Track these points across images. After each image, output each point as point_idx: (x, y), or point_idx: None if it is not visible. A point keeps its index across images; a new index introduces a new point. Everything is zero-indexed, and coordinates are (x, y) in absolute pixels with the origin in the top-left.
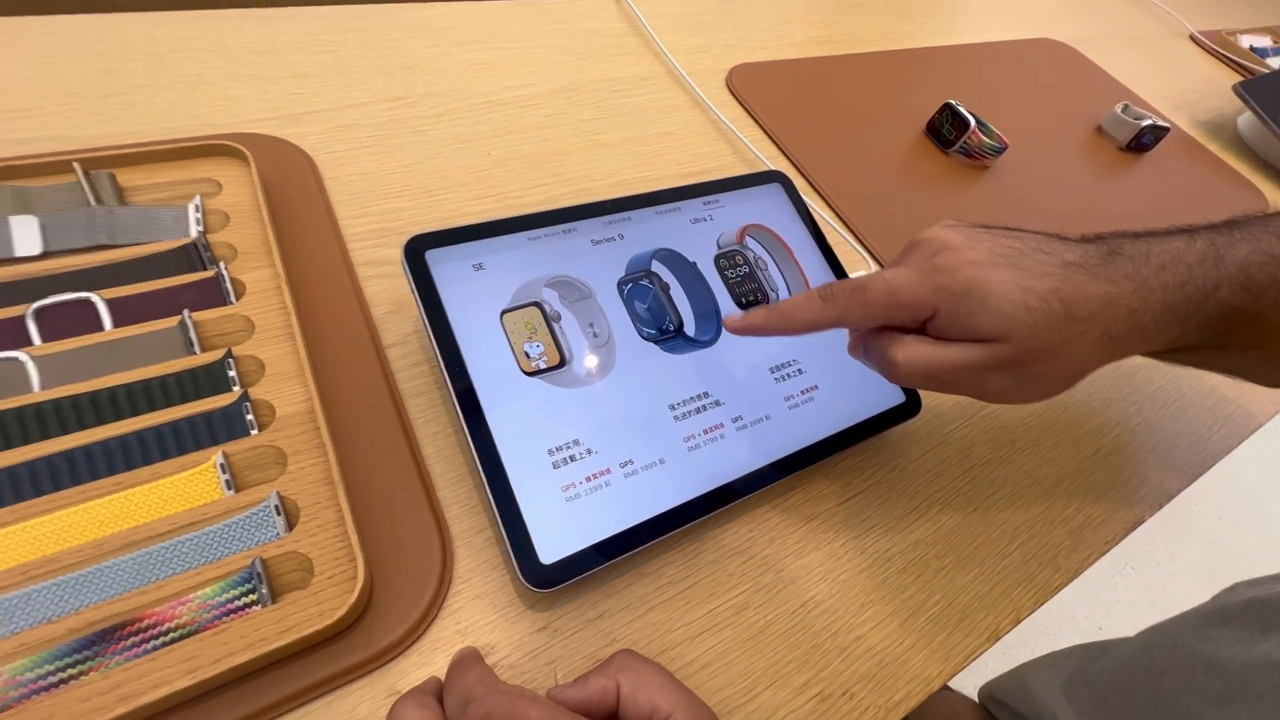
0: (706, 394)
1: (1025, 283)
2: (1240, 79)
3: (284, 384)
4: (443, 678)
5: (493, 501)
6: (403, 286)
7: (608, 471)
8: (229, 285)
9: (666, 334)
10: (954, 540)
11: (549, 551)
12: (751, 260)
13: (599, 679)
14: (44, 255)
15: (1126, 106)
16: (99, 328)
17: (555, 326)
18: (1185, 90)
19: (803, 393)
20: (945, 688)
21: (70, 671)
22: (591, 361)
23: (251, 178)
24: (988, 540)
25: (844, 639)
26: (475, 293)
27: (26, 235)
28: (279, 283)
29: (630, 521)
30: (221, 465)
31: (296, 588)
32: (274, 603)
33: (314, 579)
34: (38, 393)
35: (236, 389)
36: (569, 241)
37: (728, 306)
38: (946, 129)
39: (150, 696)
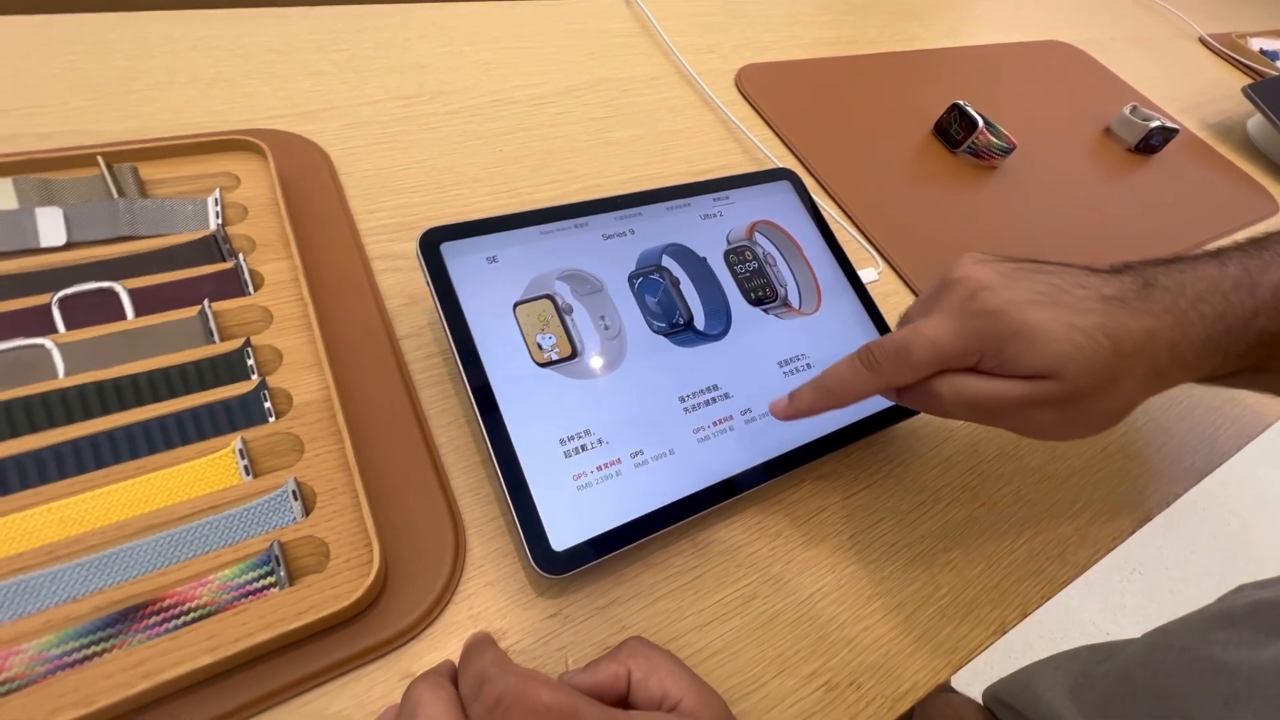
0: (716, 387)
1: (1070, 320)
2: (1250, 81)
3: (301, 373)
4: (456, 661)
5: (505, 488)
6: (416, 280)
7: (618, 461)
8: (247, 276)
9: (677, 327)
10: (961, 534)
11: (560, 538)
12: (761, 256)
13: (610, 665)
14: (68, 246)
15: (1135, 108)
16: (121, 316)
17: (567, 319)
18: (1194, 93)
19: None
20: (950, 689)
21: (94, 648)
22: (603, 353)
23: (269, 172)
24: (994, 535)
25: (851, 630)
26: (489, 285)
27: (51, 226)
28: (296, 274)
29: (640, 511)
30: (240, 451)
31: (313, 571)
32: (291, 585)
33: (330, 563)
34: (62, 378)
35: (255, 377)
36: (581, 236)
37: (737, 301)
38: (954, 129)
39: (172, 673)
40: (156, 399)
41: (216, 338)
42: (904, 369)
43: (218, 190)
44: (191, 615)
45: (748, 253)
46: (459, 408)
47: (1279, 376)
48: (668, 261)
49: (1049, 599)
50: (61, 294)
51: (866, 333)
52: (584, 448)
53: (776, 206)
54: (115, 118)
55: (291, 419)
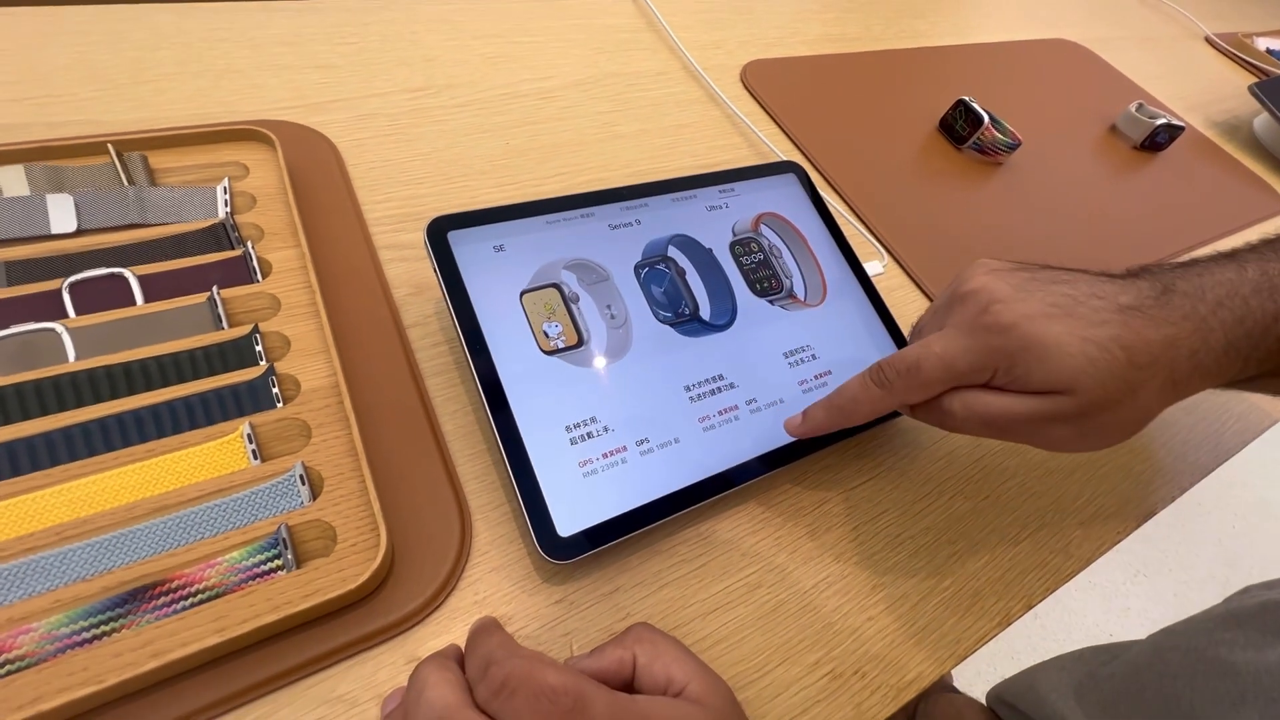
0: (721, 376)
1: (1084, 333)
2: (1256, 80)
3: (308, 359)
4: (463, 645)
5: (511, 474)
6: (423, 270)
7: (624, 449)
8: (255, 264)
9: (682, 317)
10: (965, 526)
11: (566, 524)
12: (766, 248)
13: (616, 650)
14: (79, 232)
15: (1141, 105)
16: (131, 302)
17: (573, 307)
18: (1200, 92)
19: (816, 377)
20: (953, 690)
21: (103, 628)
22: (609, 342)
23: (278, 162)
24: (999, 527)
25: (856, 619)
26: (496, 273)
27: (62, 213)
28: (304, 262)
29: (645, 498)
30: (248, 436)
31: (320, 555)
32: (298, 568)
33: (337, 546)
34: (72, 362)
35: (263, 363)
36: (587, 226)
37: (743, 292)
38: (960, 125)
39: (180, 653)
40: (165, 384)
41: (225, 324)
42: (915, 387)
43: (226, 179)
44: (199, 596)
45: (753, 244)
46: (465, 396)
47: None
48: (674, 252)
49: (1053, 591)
50: (72, 279)
51: (871, 324)
52: (589, 435)
53: (782, 199)
54: (126, 108)
55: (299, 405)
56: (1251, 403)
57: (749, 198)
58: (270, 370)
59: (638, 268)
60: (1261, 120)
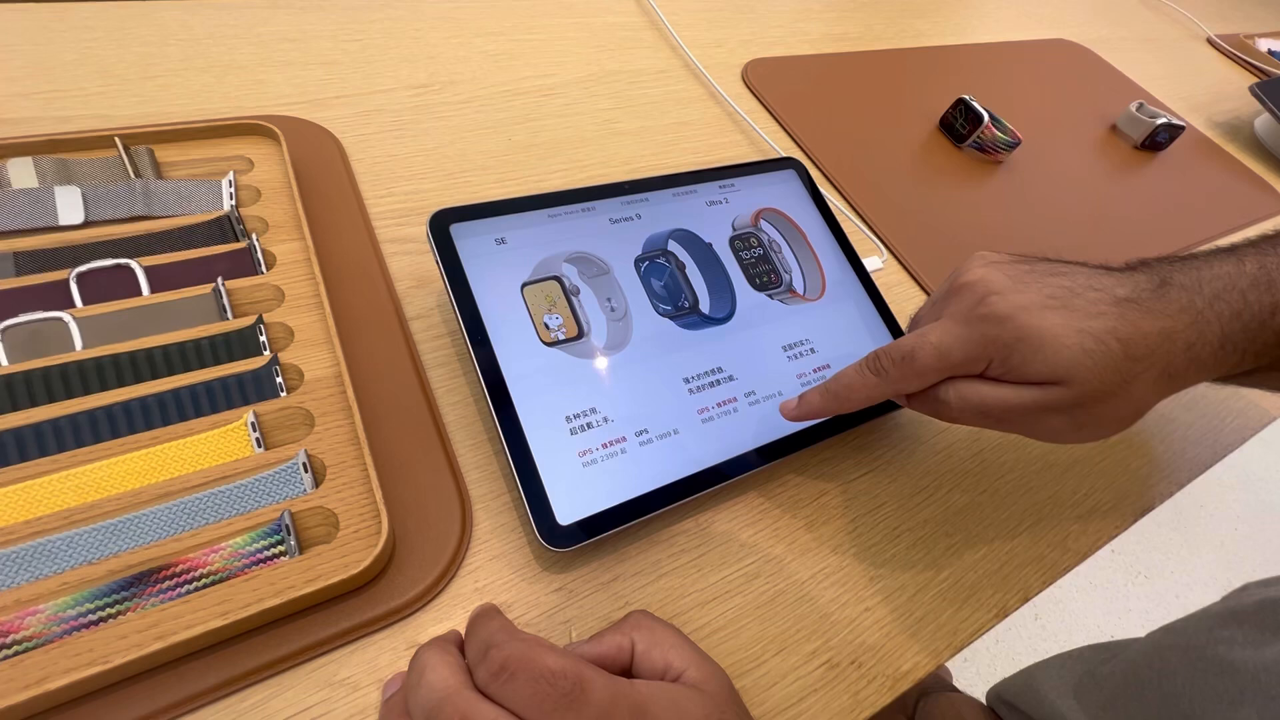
0: (720, 369)
1: (1080, 324)
2: (1257, 81)
3: (312, 350)
4: (463, 631)
5: (512, 463)
6: (425, 263)
7: (623, 439)
8: (260, 256)
9: (682, 310)
10: (963, 520)
11: (565, 513)
12: (766, 243)
13: (614, 636)
14: (86, 224)
15: (1141, 105)
16: (137, 292)
17: (574, 300)
18: (1202, 92)
19: (815, 371)
20: (953, 689)
21: (109, 610)
22: (609, 335)
23: (282, 156)
24: (996, 521)
25: (853, 610)
26: (497, 265)
27: (70, 205)
28: (308, 255)
29: (645, 488)
30: (252, 424)
31: (322, 541)
32: (301, 554)
33: (339, 533)
34: (79, 351)
35: (267, 353)
36: (588, 220)
37: (742, 286)
38: (960, 123)
39: (184, 635)
40: (171, 372)
41: (229, 314)
42: (910, 376)
43: (232, 173)
44: (204, 581)
45: (753, 239)
46: (467, 387)
47: None
48: (674, 246)
49: (1050, 584)
50: (79, 270)
51: (869, 319)
52: (589, 425)
53: (782, 195)
54: (133, 102)
55: (302, 394)
56: (1250, 400)
57: (749, 193)
58: (274, 360)
59: (638, 261)
60: (1262, 120)
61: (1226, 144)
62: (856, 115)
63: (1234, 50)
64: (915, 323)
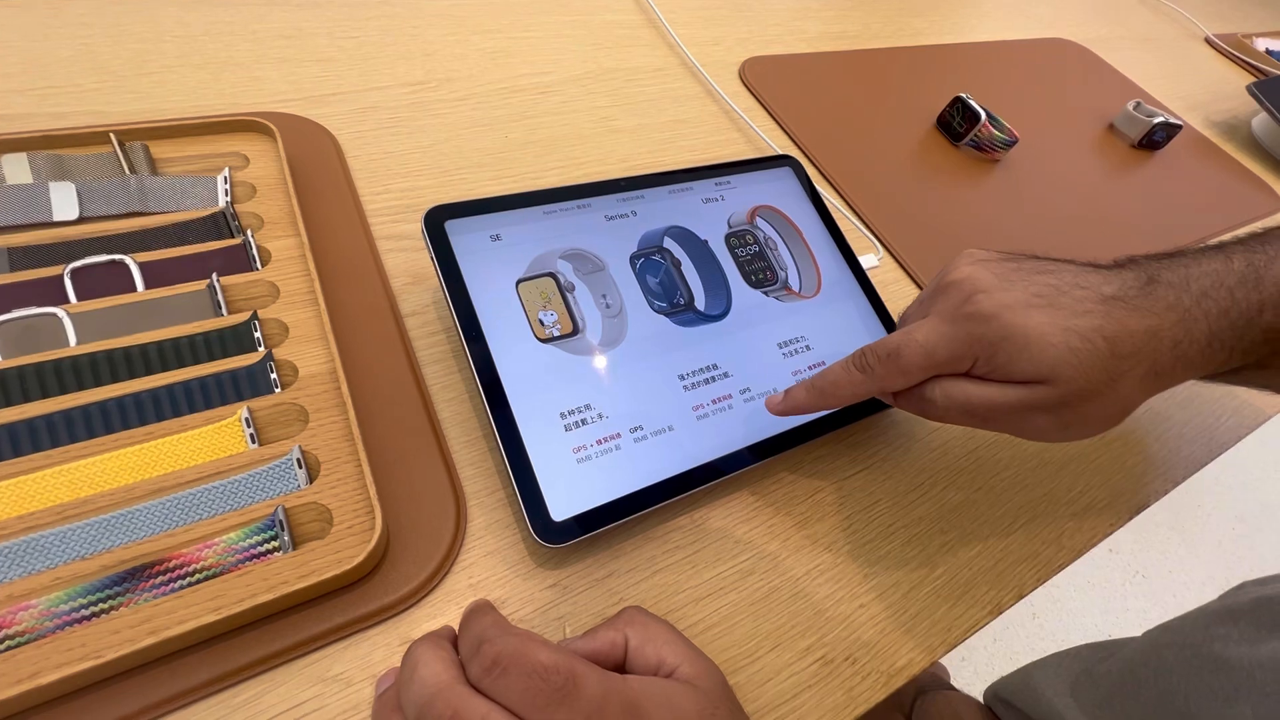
0: (715, 366)
1: (1066, 323)
2: (1255, 80)
3: (306, 346)
4: (456, 627)
5: (506, 459)
6: (421, 260)
7: (618, 436)
8: (255, 252)
9: (677, 307)
10: (958, 517)
11: (560, 509)
12: (761, 240)
13: (608, 632)
14: (81, 220)
15: (1139, 104)
16: (131, 288)
17: (569, 296)
18: (1199, 91)
19: (810, 368)
20: (950, 688)
21: (102, 605)
22: (604, 331)
23: (278, 152)
24: (991, 518)
25: (847, 606)
26: (492, 262)
27: (64, 201)
28: (303, 251)
29: (639, 484)
30: (246, 420)
31: (316, 537)
32: (295, 550)
33: (333, 529)
34: (74, 347)
35: (261, 349)
36: (584, 216)
37: (738, 283)
38: (957, 122)
39: (177, 630)
40: (165, 368)
41: (224, 310)
42: (896, 373)
43: (227, 169)
44: (197, 576)
45: (749, 236)
46: (462, 383)
47: None
48: (669, 243)
49: (1045, 581)
50: (73, 266)
51: (865, 317)
52: (584, 422)
53: (778, 192)
54: (128, 99)
55: (297, 390)
56: (1245, 398)
57: (745, 191)
58: (268, 356)
59: (633, 258)
60: (1260, 120)
61: (1224, 143)
62: (853, 113)
63: (1232, 49)
64: (903, 320)
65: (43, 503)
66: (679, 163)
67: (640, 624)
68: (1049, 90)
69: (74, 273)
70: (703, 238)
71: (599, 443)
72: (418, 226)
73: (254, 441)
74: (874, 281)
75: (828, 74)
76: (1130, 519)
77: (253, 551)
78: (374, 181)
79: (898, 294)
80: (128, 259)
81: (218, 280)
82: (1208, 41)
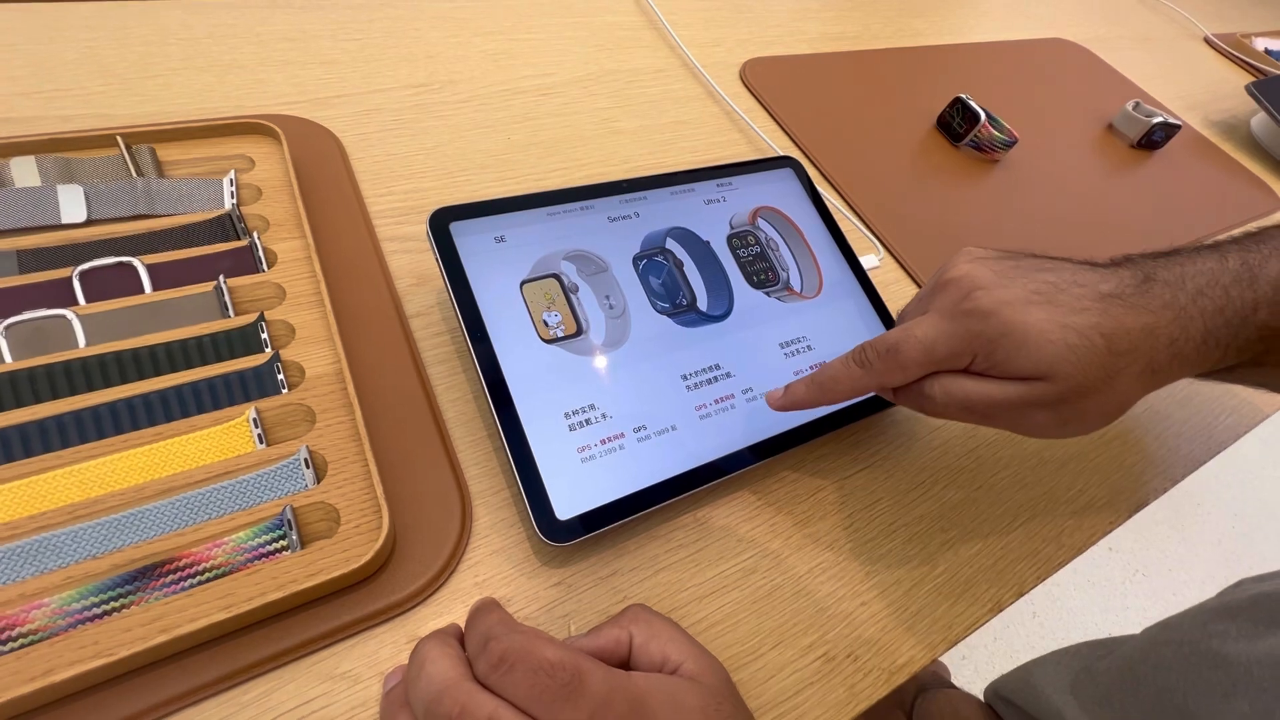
0: (718, 366)
1: (1064, 320)
2: (1254, 80)
3: (313, 347)
4: (463, 625)
5: (511, 459)
6: (425, 261)
7: (622, 436)
8: (261, 254)
9: (680, 308)
10: (958, 515)
11: (565, 508)
12: (763, 241)
13: (612, 629)
14: (89, 222)
15: (1138, 104)
16: (139, 290)
17: (573, 297)
18: (1198, 91)
19: (811, 368)
20: (951, 685)
21: (113, 604)
22: (607, 332)
23: (283, 155)
24: (991, 517)
25: (849, 604)
26: (496, 263)
27: (72, 203)
28: (309, 253)
29: (643, 483)
30: (254, 420)
31: (324, 536)
32: (303, 549)
33: (340, 528)
34: (83, 348)
35: (268, 350)
36: (587, 218)
37: (740, 284)
38: (957, 122)
39: (188, 628)
40: (173, 369)
41: (231, 312)
42: (894, 368)
43: (233, 171)
44: (207, 575)
45: (750, 237)
46: (466, 384)
47: (1277, 371)
48: (671, 244)
49: (1044, 579)
50: (82, 268)
51: (866, 317)
52: (588, 422)
53: (779, 193)
54: (134, 102)
55: (304, 391)
56: (1243, 397)
57: (746, 192)
58: (275, 357)
59: (636, 259)
60: (1259, 120)
61: (1223, 143)
62: (854, 114)
63: (1231, 49)
64: (902, 317)
65: (54, 502)
66: (680, 164)
67: (644, 621)
68: (1048, 90)
69: (82, 275)
70: (705, 239)
71: (603, 442)
72: (422, 228)
73: (262, 442)
74: (875, 282)
75: (828, 75)
76: (1130, 517)
77: (261, 550)
78: (378, 183)
79: (898, 294)
80: (135, 261)
81: (224, 282)
82: (1207, 41)
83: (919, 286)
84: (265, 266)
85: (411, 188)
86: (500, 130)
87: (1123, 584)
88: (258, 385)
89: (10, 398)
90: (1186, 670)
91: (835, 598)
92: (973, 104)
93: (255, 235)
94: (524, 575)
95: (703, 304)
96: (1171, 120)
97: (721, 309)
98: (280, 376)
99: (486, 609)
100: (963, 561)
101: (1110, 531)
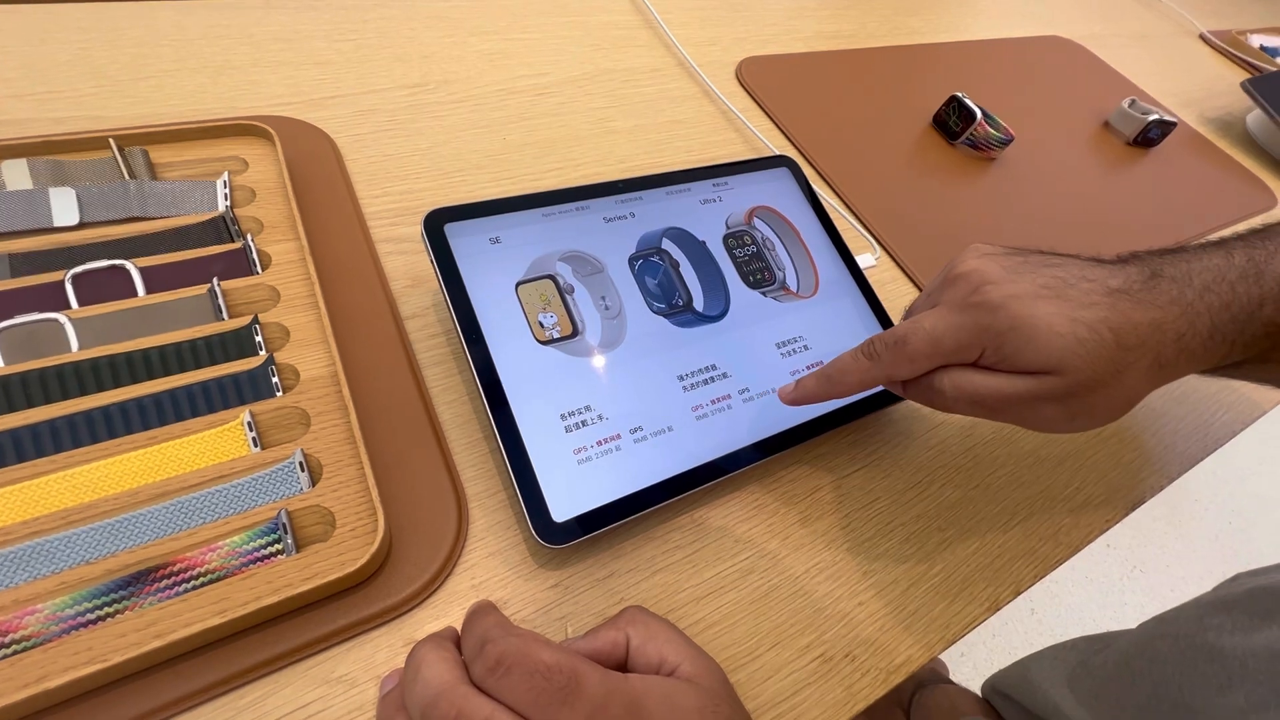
0: (714, 366)
1: (1073, 314)
2: (1249, 77)
3: (308, 350)
4: (459, 628)
5: (507, 461)
6: (421, 262)
7: (618, 437)
8: (255, 256)
9: (676, 308)
10: (956, 514)
11: (561, 510)
12: (759, 240)
13: (609, 631)
14: (81, 225)
15: (1134, 101)
16: (133, 293)
17: (568, 298)
18: (1194, 88)
19: (808, 367)
20: (948, 681)
21: (107, 609)
22: (603, 333)
23: (277, 156)
24: (988, 515)
25: (847, 604)
26: (491, 264)
27: (65, 206)
28: (303, 255)
29: (639, 485)
30: (249, 424)
31: (319, 540)
32: (298, 552)
33: (336, 531)
34: (76, 352)
35: (262, 353)
36: (582, 219)
37: (736, 284)
38: (953, 120)
39: (183, 633)
40: (167, 373)
41: (225, 315)
42: (902, 360)
43: (226, 173)
44: (201, 579)
45: (746, 237)
46: (462, 386)
47: None
48: (667, 244)
49: (1042, 578)
50: (74, 271)
51: (863, 316)
52: (584, 423)
53: (775, 193)
54: (126, 103)
55: (298, 394)
56: (1240, 394)
57: (742, 191)
58: (270, 360)
59: (632, 260)
60: (1254, 116)
61: (1218, 140)
62: (850, 113)
63: (1226, 46)
64: (910, 312)
65: (47, 508)
66: (676, 163)
67: (641, 623)
68: (1044, 88)
69: (75, 278)
70: (701, 239)
71: (599, 444)
72: (417, 229)
73: (256, 445)
74: (871, 281)
75: (824, 74)
76: (1127, 514)
77: (257, 554)
78: (373, 184)
79: (895, 293)
80: (128, 264)
81: (218, 285)
82: (1202, 38)
83: (916, 285)
84: (259, 269)
85: (406, 189)
86: (496, 130)
87: (1121, 581)
88: (252, 388)
89: (3, 402)
90: (1182, 663)
91: (833, 598)
92: (969, 102)
93: (249, 237)
94: (521, 578)
95: (699, 304)
96: (1167, 117)
97: (718, 309)
98: (275, 379)
99: (483, 612)
100: (960, 560)
101: (1107, 529)
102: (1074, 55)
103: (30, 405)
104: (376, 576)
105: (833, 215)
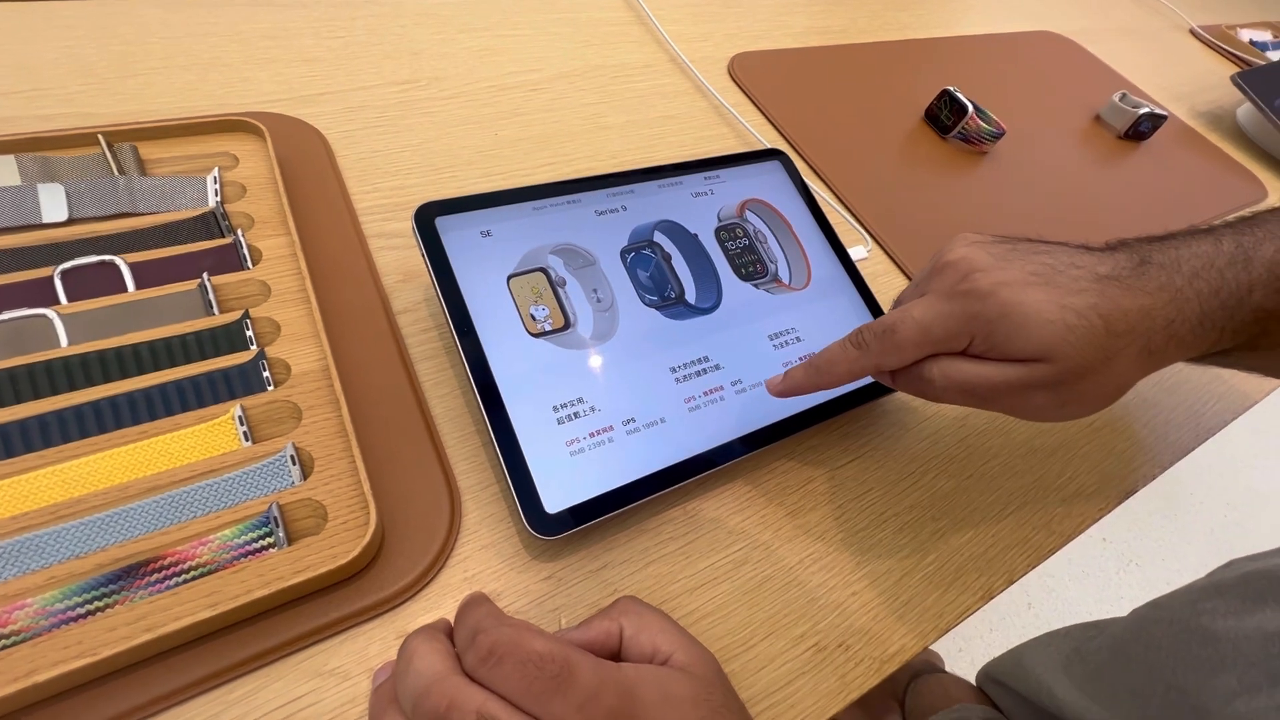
0: (706, 358)
1: (1062, 300)
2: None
3: (299, 344)
4: (452, 620)
5: (499, 453)
6: (412, 258)
7: (610, 429)
8: (246, 251)
9: (668, 301)
10: (949, 504)
11: (553, 501)
12: (751, 233)
13: (602, 621)
14: (70, 221)
15: (1124, 95)
16: (122, 289)
17: (560, 291)
18: (1184, 82)
19: (800, 359)
20: (942, 671)
21: (97, 604)
22: (595, 325)
23: (267, 152)
24: (982, 505)
25: (840, 594)
26: (483, 258)
27: (53, 202)
28: (294, 250)
29: (632, 476)
30: (240, 418)
31: (311, 533)
32: (290, 546)
33: (328, 525)
34: (65, 348)
35: (253, 348)
36: (573, 212)
37: (728, 276)
38: (945, 114)
39: (173, 627)
40: (157, 368)
41: (216, 309)
42: (891, 349)
43: (216, 169)
44: (192, 573)
45: (738, 230)
46: (454, 379)
47: (1271, 355)
48: (659, 237)
49: (1035, 567)
50: (63, 267)
51: (855, 308)
52: (576, 415)
53: (767, 186)
54: (115, 101)
55: (290, 388)
56: (1231, 384)
57: (734, 184)
58: (261, 354)
59: (624, 252)
60: (1244, 110)
61: (1209, 133)
62: (842, 108)
63: (1216, 40)
64: (899, 302)
65: (37, 503)
66: (668, 158)
67: (635, 613)
68: (1035, 83)
69: (64, 274)
70: (693, 231)
71: (591, 435)
72: (408, 224)
73: (247, 439)
74: (863, 273)
75: (815, 69)
76: (1119, 504)
77: (248, 548)
78: (364, 180)
79: (887, 285)
80: (118, 259)
81: (209, 280)
82: (1192, 33)
83: (907, 277)
84: (250, 264)
85: (398, 184)
86: (487, 126)
87: (1117, 574)
88: (243, 382)
89: None
90: (1175, 647)
91: (826, 588)
92: (960, 96)
93: (239, 233)
94: (514, 569)
95: (691, 297)
96: (1158, 111)
97: (710, 301)
98: (266, 374)
99: (475, 603)
100: (953, 550)
101: (1100, 518)
102: (1065, 50)
103: (19, 401)
104: (369, 569)
105: (825, 208)
